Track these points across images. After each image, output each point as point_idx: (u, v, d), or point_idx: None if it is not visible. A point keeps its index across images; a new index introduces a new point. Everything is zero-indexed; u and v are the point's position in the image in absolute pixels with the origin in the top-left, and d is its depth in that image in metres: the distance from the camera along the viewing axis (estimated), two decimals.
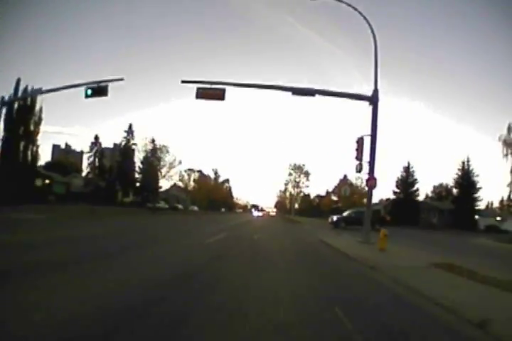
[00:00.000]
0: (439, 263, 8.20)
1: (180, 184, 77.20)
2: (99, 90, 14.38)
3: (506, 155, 30.05)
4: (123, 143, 56.15)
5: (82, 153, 77.07)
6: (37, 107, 37.88)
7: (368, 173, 12.81)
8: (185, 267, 6.43)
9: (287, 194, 75.11)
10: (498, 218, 56.56)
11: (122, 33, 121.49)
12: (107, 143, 60.76)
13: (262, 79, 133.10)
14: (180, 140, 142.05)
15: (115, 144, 62.36)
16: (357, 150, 13.20)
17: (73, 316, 3.22)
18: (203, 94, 12.85)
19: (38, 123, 38.88)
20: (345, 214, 29.47)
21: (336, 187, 71.97)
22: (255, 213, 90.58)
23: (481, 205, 55.78)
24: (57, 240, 9.29)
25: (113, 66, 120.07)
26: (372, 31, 13.85)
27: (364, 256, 9.11)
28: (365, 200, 46.81)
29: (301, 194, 78.79)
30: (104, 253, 7.35)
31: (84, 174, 61.76)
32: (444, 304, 4.54)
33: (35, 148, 38.87)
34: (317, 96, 13.63)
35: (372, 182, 12.77)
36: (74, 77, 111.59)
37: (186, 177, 69.48)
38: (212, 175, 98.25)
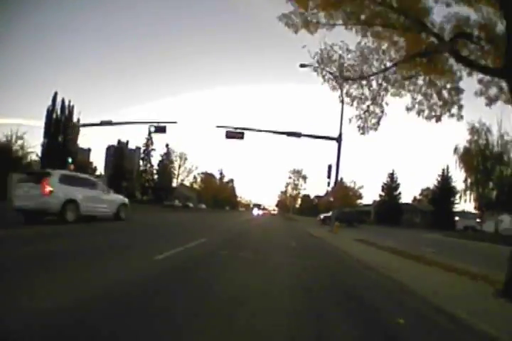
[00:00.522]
0: (358, 239, 15.58)
1: (187, 183, 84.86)
2: (159, 129, 21.88)
3: (461, 168, 37.14)
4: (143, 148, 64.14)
5: (89, 150, 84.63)
6: (75, 119, 45.23)
7: (332, 189, 20.27)
8: (238, 231, 14.10)
9: (287, 195, 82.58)
10: (478, 220, 63.86)
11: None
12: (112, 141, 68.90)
13: (263, 74, 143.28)
14: (189, 142, 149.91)
15: (120, 141, 69.76)
16: (328, 172, 20.64)
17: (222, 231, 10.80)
18: (230, 135, 20.39)
19: (76, 133, 46.32)
20: (329, 213, 36.95)
21: (332, 189, 79.85)
22: (255, 211, 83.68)
23: (459, 208, 63.03)
24: (174, 220, 17.12)
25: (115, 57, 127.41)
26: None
27: (322, 235, 16.57)
28: (357, 201, 54.29)
29: (300, 195, 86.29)
30: (208, 226, 15.12)
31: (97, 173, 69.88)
32: (337, 246, 11.96)
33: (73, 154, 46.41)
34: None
35: (334, 195, 20.20)
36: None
37: (199, 179, 77.19)
38: (217, 175, 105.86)
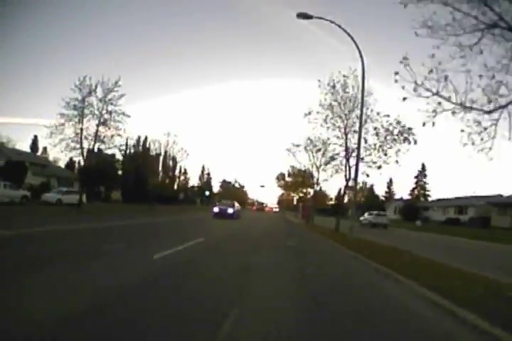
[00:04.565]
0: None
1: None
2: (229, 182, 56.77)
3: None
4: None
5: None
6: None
7: (313, 195, 55.74)
8: (259, 215, 50.03)
9: (283, 198, 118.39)
10: None
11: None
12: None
13: (263, 70, 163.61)
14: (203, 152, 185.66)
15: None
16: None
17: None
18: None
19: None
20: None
21: (312, 195, 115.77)
22: (216, 209, 37.58)
23: None
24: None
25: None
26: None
27: (282, 215, 52.25)
28: (329, 202, 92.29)
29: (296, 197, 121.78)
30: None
31: None
32: (292, 222, 47.64)
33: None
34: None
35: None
36: None
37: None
38: (232, 182, 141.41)
